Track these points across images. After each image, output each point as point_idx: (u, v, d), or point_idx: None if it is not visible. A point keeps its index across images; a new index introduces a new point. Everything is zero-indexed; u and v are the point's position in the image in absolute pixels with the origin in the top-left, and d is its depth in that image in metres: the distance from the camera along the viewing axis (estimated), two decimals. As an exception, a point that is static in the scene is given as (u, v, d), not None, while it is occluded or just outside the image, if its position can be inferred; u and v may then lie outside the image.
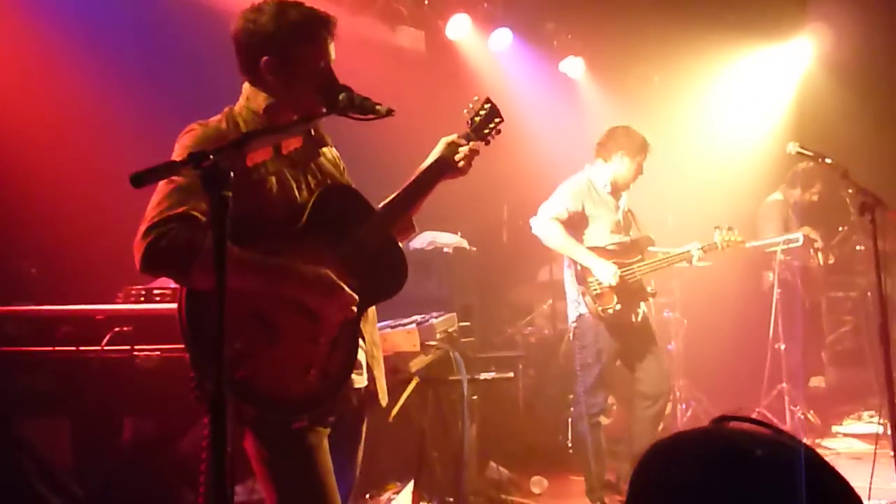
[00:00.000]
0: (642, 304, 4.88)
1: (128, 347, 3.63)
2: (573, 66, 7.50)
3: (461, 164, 2.64)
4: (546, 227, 4.77)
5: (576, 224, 4.80)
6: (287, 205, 2.36)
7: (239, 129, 2.36)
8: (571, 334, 4.89)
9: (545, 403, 6.04)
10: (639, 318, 4.86)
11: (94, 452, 3.82)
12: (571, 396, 5.70)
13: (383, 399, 2.60)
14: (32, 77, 4.52)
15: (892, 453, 3.90)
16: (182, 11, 4.96)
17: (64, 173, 4.40)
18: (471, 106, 2.73)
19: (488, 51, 6.84)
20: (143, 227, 2.18)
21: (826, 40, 7.31)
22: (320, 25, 2.40)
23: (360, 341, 2.48)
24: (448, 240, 5.65)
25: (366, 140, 5.20)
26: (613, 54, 7.47)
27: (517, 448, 5.56)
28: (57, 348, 3.62)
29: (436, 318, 4.30)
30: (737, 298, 6.71)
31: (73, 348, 3.61)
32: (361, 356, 2.49)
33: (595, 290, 4.70)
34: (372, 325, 2.60)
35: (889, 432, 3.78)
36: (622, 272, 4.70)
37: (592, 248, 4.75)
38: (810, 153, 4.07)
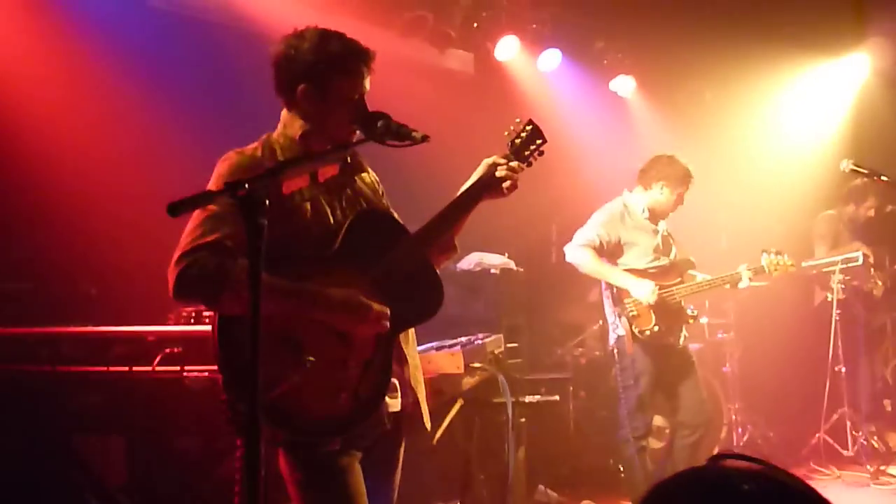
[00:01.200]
0: (684, 328, 4.82)
1: (178, 368, 3.72)
2: (624, 84, 7.43)
3: (504, 185, 2.61)
4: (578, 253, 4.79)
5: (611, 251, 4.79)
6: (321, 230, 2.38)
7: (275, 156, 2.39)
8: (615, 353, 4.83)
9: (596, 425, 5.94)
10: (680, 343, 4.80)
11: (147, 470, 3.91)
12: (623, 419, 5.63)
13: (427, 422, 2.58)
14: (93, 105, 4.67)
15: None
16: (229, 36, 5.08)
17: (123, 198, 4.53)
18: (512, 128, 2.71)
19: (537, 71, 6.83)
20: (176, 255, 2.23)
21: (884, 55, 7.13)
22: (359, 59, 2.42)
23: (399, 364, 2.47)
24: (495, 261, 5.63)
25: (415, 164, 5.26)
26: (664, 72, 7.39)
27: (567, 471, 5.49)
28: (110, 368, 3.73)
29: (481, 339, 4.28)
30: (794, 319, 6.53)
31: (126, 368, 3.71)
32: (395, 380, 2.48)
33: (632, 311, 4.67)
34: (412, 347, 2.59)
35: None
36: (661, 293, 4.65)
37: (630, 271, 4.72)
38: (865, 170, 3.96)
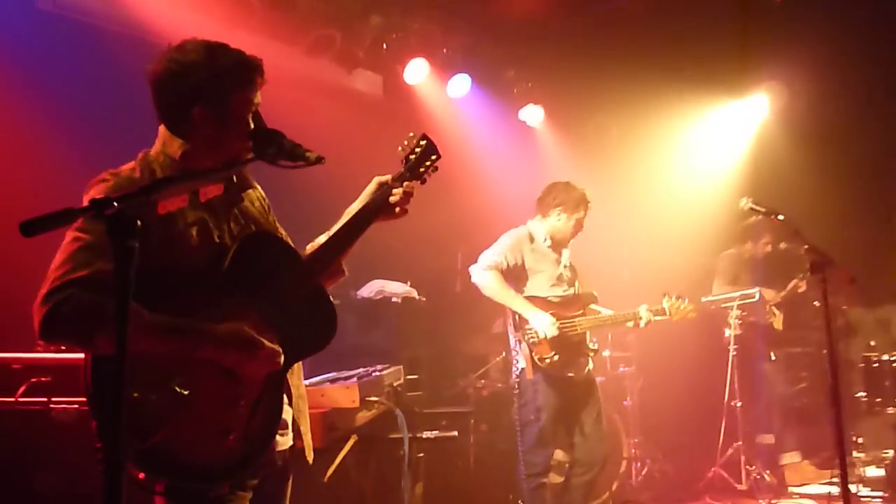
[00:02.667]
0: (588, 360, 4.81)
1: (45, 399, 3.47)
2: (532, 114, 7.45)
3: (396, 207, 2.52)
4: (483, 275, 4.73)
5: (516, 276, 4.76)
6: (206, 255, 2.20)
7: (154, 176, 2.20)
8: (515, 391, 4.76)
9: (497, 460, 5.82)
10: (581, 374, 4.76)
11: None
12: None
13: (309, 455, 2.43)
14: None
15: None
16: (123, 43, 4.81)
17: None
18: (406, 143, 2.62)
19: (447, 97, 6.76)
20: (42, 291, 1.99)
21: (781, 97, 7.38)
22: (252, 71, 2.27)
23: (286, 398, 2.32)
24: (397, 289, 5.49)
25: (317, 185, 5.08)
26: (573, 104, 7.45)
27: (466, 507, 5.34)
28: None
29: (380, 371, 4.14)
30: (694, 354, 6.61)
31: None
32: (287, 414, 2.34)
33: (532, 338, 4.62)
34: (297, 377, 2.44)
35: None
36: (562, 324, 4.63)
37: (532, 298, 4.69)
38: (763, 209, 4.01)
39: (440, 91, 6.72)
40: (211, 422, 2.09)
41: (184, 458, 2.05)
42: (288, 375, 2.34)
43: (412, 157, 2.58)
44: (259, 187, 2.51)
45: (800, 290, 6.31)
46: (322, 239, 2.53)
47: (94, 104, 4.68)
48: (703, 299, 6.10)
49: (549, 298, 4.73)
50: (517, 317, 4.66)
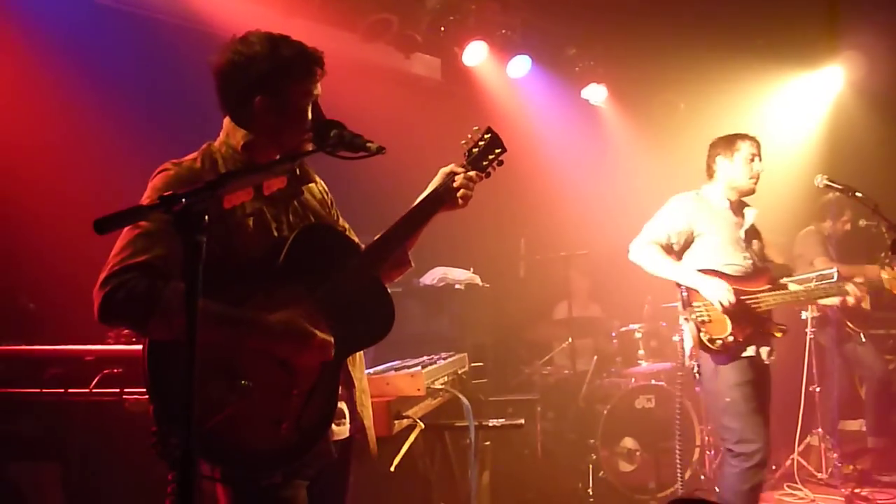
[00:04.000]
0: (771, 342, 4.22)
1: (117, 390, 3.51)
2: (595, 93, 7.26)
3: (459, 195, 2.47)
4: (640, 252, 4.19)
5: (684, 246, 4.22)
6: (263, 246, 2.21)
7: (216, 167, 2.24)
8: (696, 365, 4.13)
9: (564, 448, 5.76)
10: (766, 359, 4.18)
11: (84, 498, 3.66)
12: (592, 441, 5.45)
13: (373, 450, 2.43)
14: (34, 107, 4.41)
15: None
16: (182, 36, 4.84)
17: (66, 207, 4.26)
18: (469, 136, 2.59)
19: (507, 78, 6.64)
20: (102, 276, 2.04)
21: (858, 68, 7.05)
22: (313, 63, 2.28)
23: (346, 388, 2.33)
24: (460, 276, 5.43)
25: (378, 172, 5.05)
26: (637, 81, 7.25)
27: (534, 496, 5.29)
28: (44, 390, 3.51)
29: (444, 359, 4.11)
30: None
31: (61, 390, 3.49)
32: (343, 405, 2.34)
33: (702, 316, 4.02)
34: (360, 369, 2.43)
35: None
36: (746, 298, 4.05)
37: (703, 271, 4.10)
38: (839, 186, 3.82)
39: (500, 72, 6.60)
40: (263, 410, 2.09)
41: (237, 446, 2.06)
42: (350, 367, 2.33)
43: (475, 150, 2.55)
44: (320, 180, 2.53)
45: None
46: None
47: (152, 97, 4.73)
48: (780, 281, 5.87)
49: (724, 270, 4.11)
50: (684, 292, 4.09)
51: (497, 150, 2.57)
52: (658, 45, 6.59)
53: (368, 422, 2.40)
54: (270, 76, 2.22)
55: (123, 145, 4.43)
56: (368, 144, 2.16)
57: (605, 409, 5.45)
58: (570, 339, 6.02)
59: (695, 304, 4.06)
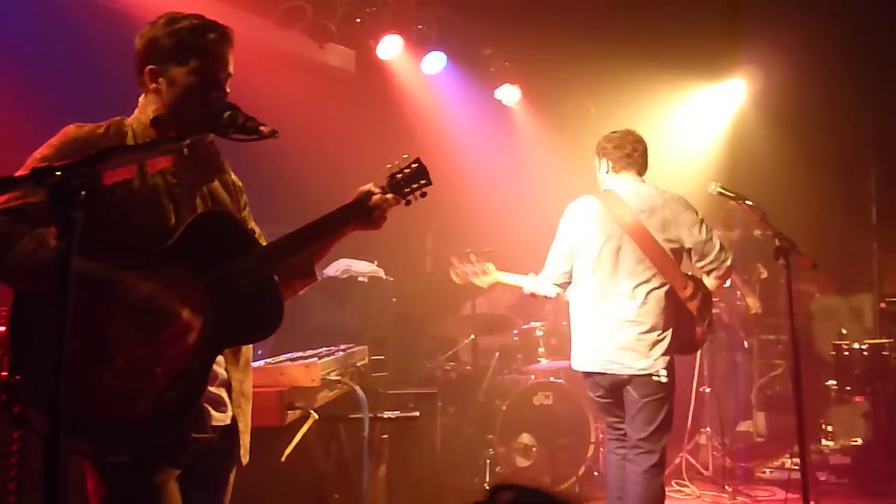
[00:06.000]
0: None
1: None
2: (509, 93, 7.33)
3: (374, 213, 2.45)
4: None
5: None
6: (156, 225, 2.17)
7: (123, 138, 2.22)
8: (667, 372, 3.98)
9: (463, 443, 5.79)
10: None
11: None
12: (490, 436, 5.50)
13: (245, 457, 2.35)
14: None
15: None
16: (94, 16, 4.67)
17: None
18: (396, 162, 2.56)
19: (421, 73, 6.64)
20: None
21: (757, 82, 7.34)
22: (205, 34, 2.26)
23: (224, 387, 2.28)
24: (364, 268, 5.40)
25: (288, 161, 4.98)
26: (550, 84, 7.36)
27: (430, 490, 5.29)
28: None
29: (343, 350, 4.06)
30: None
31: None
32: (223, 392, 2.28)
33: None
34: (243, 371, 2.36)
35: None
36: None
37: None
38: (731, 194, 3.96)
39: (414, 68, 6.59)
40: (122, 384, 2.01)
41: (86, 415, 1.96)
42: (230, 366, 2.28)
43: (399, 175, 2.52)
44: (236, 177, 2.49)
45: (762, 276, 6.29)
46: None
47: (58, 73, 4.54)
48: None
49: None
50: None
51: (422, 182, 2.55)
52: (572, 50, 6.70)
53: (244, 426, 2.33)
54: (160, 44, 2.23)
55: (18, 120, 4.25)
56: (261, 128, 2.11)
57: (504, 405, 5.52)
58: (473, 336, 6.07)
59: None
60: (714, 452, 6.02)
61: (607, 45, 6.59)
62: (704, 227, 4.05)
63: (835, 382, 6.17)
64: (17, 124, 4.18)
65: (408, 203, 2.55)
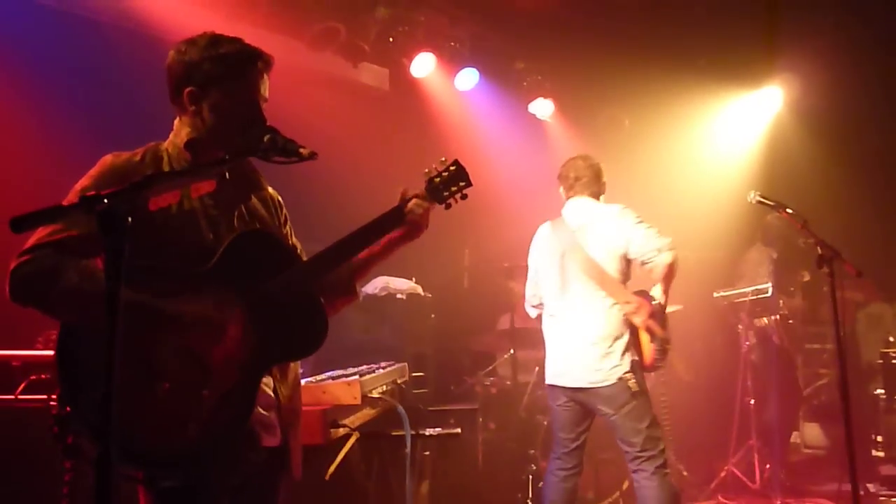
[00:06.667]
0: None
1: (44, 396, 3.43)
2: (542, 107, 7.35)
3: (408, 219, 2.41)
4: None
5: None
6: (195, 247, 2.19)
7: (160, 164, 2.24)
8: (633, 379, 4.09)
9: (505, 459, 5.76)
10: None
11: (12, 505, 3.56)
12: (532, 451, 5.46)
13: (297, 471, 2.37)
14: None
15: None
16: (126, 40, 4.77)
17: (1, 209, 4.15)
18: (434, 166, 2.52)
19: (454, 90, 6.68)
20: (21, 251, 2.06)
21: (795, 89, 7.25)
22: (249, 60, 2.27)
23: (271, 405, 2.28)
24: (402, 285, 5.43)
25: (325, 180, 5.03)
26: (584, 97, 7.35)
27: (473, 506, 5.28)
28: None
29: (383, 368, 4.09)
30: (707, 351, 6.51)
31: None
32: (273, 414, 2.29)
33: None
34: (292, 388, 2.37)
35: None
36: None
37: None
38: (771, 202, 3.91)
39: (448, 85, 6.64)
40: (172, 408, 2.04)
41: (135, 441, 1.97)
42: (279, 385, 2.29)
43: (437, 179, 2.48)
44: (276, 193, 2.50)
45: (804, 280, 6.18)
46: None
47: (96, 100, 4.64)
48: (715, 294, 6.00)
49: None
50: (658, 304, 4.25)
51: (461, 184, 2.51)
52: (605, 61, 6.69)
53: (295, 441, 2.34)
54: (200, 67, 2.23)
55: (65, 147, 4.35)
56: (301, 150, 2.14)
57: (546, 420, 5.47)
58: (512, 351, 6.04)
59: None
60: (761, 465, 5.91)
61: (641, 56, 6.56)
62: (642, 225, 4.21)
63: (883, 391, 6.04)
64: (55, 154, 4.31)
65: (447, 206, 2.51)
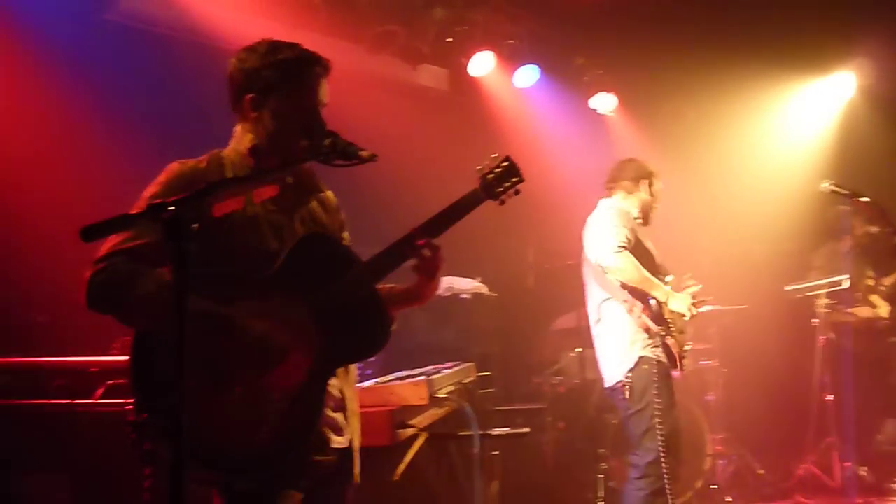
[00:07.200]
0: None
1: (121, 401, 3.52)
2: (604, 102, 7.24)
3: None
4: (618, 258, 4.09)
5: (637, 257, 4.21)
6: (260, 252, 2.22)
7: (223, 171, 2.27)
8: (629, 386, 4.16)
9: (575, 458, 5.71)
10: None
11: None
12: (602, 451, 5.40)
13: (356, 474, 2.38)
14: (44, 118, 4.45)
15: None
16: (191, 52, 4.88)
17: (75, 221, 4.28)
18: (486, 162, 2.52)
19: (514, 88, 6.64)
20: (94, 259, 2.11)
21: (869, 74, 6.99)
22: (308, 66, 2.30)
23: (339, 410, 2.30)
24: (466, 285, 5.43)
25: (389, 181, 5.06)
26: (647, 89, 7.21)
27: (544, 506, 5.25)
28: (50, 402, 3.55)
29: (449, 368, 4.08)
30: (781, 346, 6.34)
31: (66, 402, 3.53)
32: (340, 416, 2.31)
33: (673, 329, 4.15)
34: (352, 389, 2.39)
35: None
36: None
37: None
38: (845, 191, 3.78)
39: (507, 82, 6.61)
40: (244, 412, 2.07)
41: (210, 446, 2.01)
42: (344, 387, 2.32)
43: (490, 176, 2.47)
44: (333, 196, 2.52)
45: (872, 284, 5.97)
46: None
47: (162, 112, 4.75)
48: (787, 288, 5.83)
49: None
50: (654, 304, 4.15)
51: (514, 179, 2.49)
52: (667, 52, 6.56)
53: (356, 444, 2.36)
54: (260, 74, 2.27)
55: (131, 158, 4.47)
56: (361, 152, 2.16)
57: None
58: (580, 349, 5.98)
59: (667, 317, 4.17)
60: (841, 463, 5.73)
61: (704, 44, 6.42)
62: (607, 224, 4.27)
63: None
64: (122, 164, 4.43)
65: (501, 203, 2.49)
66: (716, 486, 5.52)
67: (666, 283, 4.30)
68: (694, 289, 4.26)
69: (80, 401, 3.53)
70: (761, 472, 5.91)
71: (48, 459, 3.62)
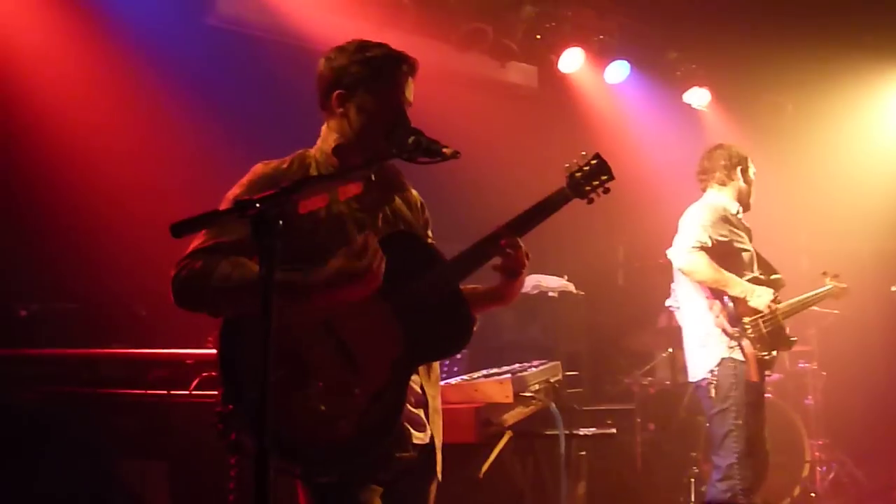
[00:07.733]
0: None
1: (215, 392, 3.62)
2: (698, 96, 7.06)
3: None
4: (692, 257, 4.06)
5: (721, 256, 4.12)
6: (341, 248, 2.21)
7: (308, 170, 2.30)
8: (714, 385, 4.08)
9: (665, 460, 5.59)
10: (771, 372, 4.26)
11: (190, 496, 3.80)
12: (694, 454, 5.27)
13: (439, 473, 2.38)
14: (146, 123, 4.64)
15: None
16: (286, 54, 4.99)
17: (174, 218, 4.45)
18: (574, 160, 2.47)
19: (605, 84, 6.55)
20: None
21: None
22: (396, 64, 2.32)
23: (418, 404, 2.31)
24: (554, 283, 5.38)
25: (478, 179, 5.07)
26: (742, 83, 7.00)
27: (632, 508, 5.16)
28: (148, 391, 3.67)
29: (536, 367, 4.05)
30: (884, 348, 6.04)
31: (164, 392, 3.64)
32: (422, 412, 2.31)
33: (751, 332, 4.03)
34: (434, 387, 2.39)
35: None
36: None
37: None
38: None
39: (598, 78, 6.52)
40: (325, 404, 2.09)
41: (290, 437, 2.02)
42: (425, 384, 2.32)
43: (578, 174, 2.43)
44: (414, 191, 2.53)
45: None
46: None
47: (254, 112, 4.88)
48: (893, 288, 5.56)
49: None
50: (731, 305, 4.06)
51: (603, 178, 2.44)
52: (763, 44, 6.35)
53: (438, 443, 2.35)
54: (348, 71, 2.28)
55: (228, 162, 4.60)
56: (444, 149, 2.16)
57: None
58: (671, 349, 5.86)
59: (746, 320, 4.04)
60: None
61: (801, 35, 6.19)
62: (688, 223, 4.19)
63: None
64: (211, 164, 4.57)
65: (590, 201, 2.44)
66: (814, 494, 5.31)
67: (771, 282, 4.19)
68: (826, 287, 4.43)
69: (176, 391, 3.66)
70: (864, 479, 5.66)
71: (147, 447, 3.76)
